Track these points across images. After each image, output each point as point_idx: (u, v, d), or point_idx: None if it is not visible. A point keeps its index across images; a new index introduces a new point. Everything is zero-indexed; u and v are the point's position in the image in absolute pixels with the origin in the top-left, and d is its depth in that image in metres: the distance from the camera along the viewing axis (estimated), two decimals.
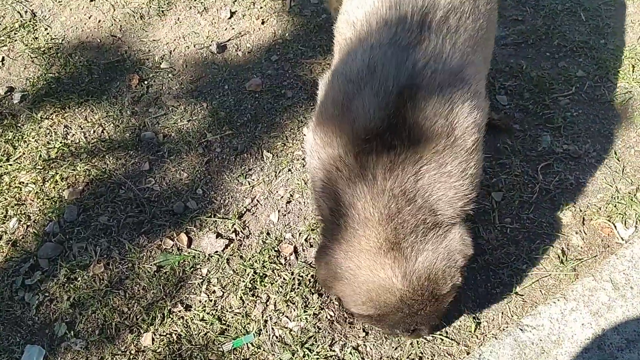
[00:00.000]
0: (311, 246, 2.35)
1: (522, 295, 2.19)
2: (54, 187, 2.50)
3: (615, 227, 2.34)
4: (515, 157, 2.56)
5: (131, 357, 2.08)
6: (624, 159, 2.55)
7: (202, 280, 2.26)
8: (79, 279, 2.25)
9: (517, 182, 2.49)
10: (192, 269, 2.29)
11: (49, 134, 2.67)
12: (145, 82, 2.87)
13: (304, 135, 2.68)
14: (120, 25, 3.11)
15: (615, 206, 2.39)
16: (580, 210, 2.40)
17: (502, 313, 2.15)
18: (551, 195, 2.44)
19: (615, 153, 2.57)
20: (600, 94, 2.78)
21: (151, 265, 2.29)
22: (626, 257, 2.20)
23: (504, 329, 2.07)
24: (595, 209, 2.40)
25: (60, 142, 2.64)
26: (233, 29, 3.10)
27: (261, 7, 3.19)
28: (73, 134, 2.68)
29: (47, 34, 3.07)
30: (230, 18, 3.14)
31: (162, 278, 2.26)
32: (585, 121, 2.69)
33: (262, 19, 3.14)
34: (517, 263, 2.27)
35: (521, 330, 2.04)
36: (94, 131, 2.69)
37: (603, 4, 3.21)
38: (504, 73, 2.87)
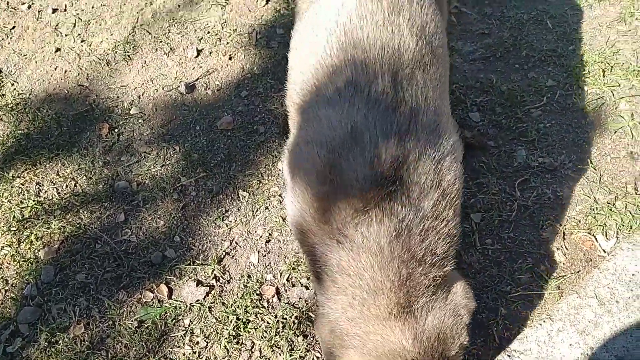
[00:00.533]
0: (293, 286, 2.33)
1: (508, 319, 2.16)
2: (29, 248, 2.47)
3: (596, 239, 2.32)
4: (491, 175, 2.55)
5: None
6: (601, 168, 2.54)
7: (184, 331, 2.23)
8: (60, 342, 2.22)
9: (495, 201, 2.47)
10: (174, 321, 2.26)
11: (21, 193, 2.65)
12: (116, 130, 2.85)
13: (281, 171, 2.66)
14: (87, 74, 3.09)
15: (594, 217, 2.38)
16: (560, 225, 2.38)
17: (489, 340, 2.12)
18: (530, 212, 2.43)
19: (591, 162, 2.56)
20: (572, 102, 2.77)
21: (132, 321, 2.26)
22: (609, 270, 2.18)
23: (492, 357, 2.05)
24: (575, 222, 2.38)
25: (34, 201, 2.61)
26: (201, 67, 3.09)
27: (227, 43, 3.18)
28: (46, 191, 2.65)
29: (14, 89, 3.05)
30: (197, 57, 3.12)
31: (144, 333, 2.23)
32: (559, 131, 2.67)
33: (230, 55, 3.12)
34: (501, 285, 2.24)
35: (509, 356, 2.01)
36: (67, 185, 2.67)
37: (569, 9, 3.20)
38: (475, 89, 2.86)
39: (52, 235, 2.50)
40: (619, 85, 2.80)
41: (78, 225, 2.53)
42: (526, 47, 3.03)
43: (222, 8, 3.34)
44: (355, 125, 1.71)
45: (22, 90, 3.04)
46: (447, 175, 1.76)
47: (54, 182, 2.68)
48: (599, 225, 2.35)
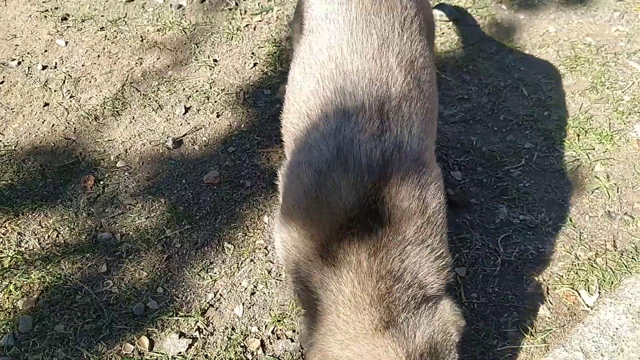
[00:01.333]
0: (278, 338, 2.29)
1: None
2: (7, 298, 2.40)
3: (579, 294, 2.35)
4: (474, 230, 2.59)
5: None
6: (580, 226, 2.60)
7: None
8: None
9: (479, 255, 2.50)
10: None
11: (2, 242, 2.60)
12: (101, 182, 2.85)
13: (267, 224, 2.67)
14: (75, 128, 3.11)
15: (577, 273, 2.42)
16: (544, 280, 2.41)
17: None
18: (514, 267, 2.46)
19: (571, 220, 2.62)
20: (550, 164, 2.87)
21: None
22: (593, 324, 2.20)
23: None
24: (558, 278, 2.41)
25: (14, 251, 2.56)
26: (188, 123, 3.14)
27: (215, 101, 3.25)
28: (27, 241, 2.61)
29: (0, 141, 3.04)
30: (185, 113, 3.18)
31: None
32: (538, 191, 2.75)
33: (217, 112, 3.19)
34: (488, 339, 2.24)
35: None
36: (49, 236, 2.63)
37: (543, 78, 3.37)
38: (456, 150, 2.95)
39: (31, 285, 2.44)
40: (594, 149, 2.92)
41: (59, 276, 2.47)
42: (504, 111, 3.16)
43: (210, 69, 3.43)
44: (340, 148, 1.81)
45: (8, 143, 3.04)
46: (432, 202, 1.82)
47: (35, 232, 2.64)
48: (582, 280, 2.39)
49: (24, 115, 3.19)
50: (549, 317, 2.30)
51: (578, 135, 3.00)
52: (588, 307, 2.31)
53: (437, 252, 1.78)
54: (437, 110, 2.29)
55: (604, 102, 3.19)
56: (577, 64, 3.45)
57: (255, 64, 3.47)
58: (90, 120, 3.15)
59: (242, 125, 3.13)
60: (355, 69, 1.95)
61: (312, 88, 2.02)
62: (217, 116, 3.17)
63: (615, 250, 2.49)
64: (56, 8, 3.82)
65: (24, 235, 2.63)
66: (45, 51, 3.54)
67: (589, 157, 2.88)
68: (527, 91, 3.29)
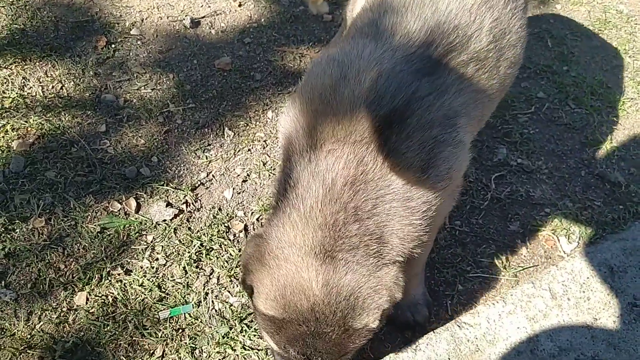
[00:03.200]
0: (262, 226, 2.33)
1: (463, 295, 2.22)
2: (3, 136, 2.41)
3: (558, 240, 2.40)
4: (471, 164, 2.61)
5: (62, 314, 2.01)
6: (574, 180, 2.63)
7: (146, 246, 2.21)
8: (17, 230, 2.17)
9: (470, 188, 2.53)
10: (137, 235, 2.24)
11: (5, 83, 2.59)
12: (113, 46, 2.82)
13: (270, 119, 2.67)
14: None
15: (560, 221, 2.46)
16: (527, 222, 2.46)
17: (442, 310, 2.17)
18: (501, 205, 2.50)
19: (566, 173, 2.65)
20: (558, 116, 2.87)
21: (95, 225, 2.23)
22: (566, 269, 2.26)
23: (442, 324, 2.09)
24: (541, 222, 2.46)
25: (16, 93, 2.55)
26: (209, 6, 3.08)
27: None
28: (30, 87, 2.60)
29: None
30: None
31: (105, 240, 2.20)
32: (541, 140, 2.77)
33: (240, 1, 3.13)
34: (462, 264, 2.30)
35: (459, 327, 2.06)
36: (53, 87, 2.62)
37: (570, 34, 3.32)
38: None
39: (28, 129, 2.45)
40: (602, 111, 2.92)
41: (57, 126, 2.48)
42: (524, 58, 3.12)
43: None
44: (379, 66, 1.68)
45: None
46: (439, 167, 1.65)
47: (40, 80, 2.63)
48: (564, 228, 2.44)
49: None
50: (524, 255, 2.36)
51: (592, 95, 2.99)
52: (565, 253, 2.36)
53: (416, 220, 1.64)
54: (499, 99, 2.11)
55: (623, 70, 3.17)
56: (605, 27, 3.40)
57: None
58: None
59: (262, 20, 3.08)
60: (448, 11, 1.79)
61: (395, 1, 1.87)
62: (239, 5, 3.12)
63: (604, 208, 2.53)
64: None
65: (29, 80, 2.62)
66: None
67: (597, 118, 2.88)
68: (552, 43, 3.25)
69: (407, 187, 1.62)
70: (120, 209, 2.30)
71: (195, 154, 2.51)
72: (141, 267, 2.16)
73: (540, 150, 2.73)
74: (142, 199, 2.34)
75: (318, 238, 1.57)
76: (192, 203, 2.36)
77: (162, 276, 2.15)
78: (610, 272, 2.29)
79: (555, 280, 2.22)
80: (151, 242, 2.23)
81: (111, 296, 2.07)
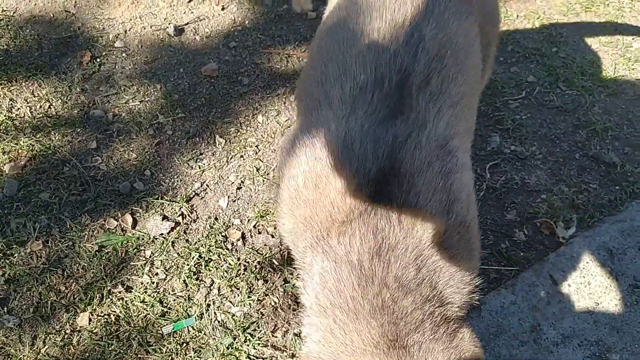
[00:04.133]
0: (259, 233, 2.33)
1: None
2: None
3: (556, 226, 2.40)
4: None
5: (66, 336, 2.02)
6: (568, 164, 2.62)
7: (145, 262, 2.22)
8: (15, 255, 2.18)
9: None
10: (135, 251, 2.24)
11: None
12: (98, 60, 2.81)
13: (260, 123, 2.67)
14: (75, 1, 3.03)
15: (557, 207, 2.46)
16: (524, 209, 2.46)
17: None
18: (497, 194, 2.49)
19: (560, 157, 2.64)
20: (549, 100, 2.86)
21: (92, 244, 2.23)
22: (566, 255, 2.26)
23: None
24: (538, 209, 2.46)
25: (5, 115, 2.55)
26: (192, 12, 3.06)
27: None
28: (18, 108, 2.59)
29: None
30: (189, 2, 3.10)
31: (104, 258, 2.21)
32: (533, 124, 2.76)
33: (222, 5, 3.11)
34: None
35: None
36: (41, 106, 2.61)
37: (557, 15, 3.30)
38: None
39: (19, 151, 2.45)
40: (594, 91, 2.91)
41: (47, 146, 2.48)
42: (512, 42, 3.11)
43: None
44: (349, 133, 1.52)
45: (7, 8, 2.96)
46: (459, 196, 1.50)
47: (27, 100, 2.62)
48: (561, 214, 2.43)
49: None
50: (523, 244, 2.36)
51: (582, 75, 2.97)
52: (563, 239, 2.36)
53: (464, 263, 1.47)
54: (478, 99, 1.98)
55: (613, 47, 3.15)
56: (592, 4, 3.38)
57: None
58: None
59: (247, 22, 3.06)
60: (382, 39, 1.64)
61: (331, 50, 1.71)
62: (222, 9, 3.10)
63: (600, 190, 2.52)
64: None
65: (16, 102, 2.61)
66: None
67: (588, 98, 2.87)
68: (539, 25, 3.23)
69: (437, 234, 1.46)
70: (117, 225, 2.30)
71: (188, 164, 2.51)
72: (141, 283, 2.16)
73: (533, 135, 2.72)
74: (138, 214, 2.34)
75: (375, 329, 1.36)
76: (188, 214, 2.36)
77: (163, 291, 2.15)
78: (609, 255, 2.29)
79: (556, 267, 2.23)
80: (150, 257, 2.23)
81: (114, 315, 2.08)
